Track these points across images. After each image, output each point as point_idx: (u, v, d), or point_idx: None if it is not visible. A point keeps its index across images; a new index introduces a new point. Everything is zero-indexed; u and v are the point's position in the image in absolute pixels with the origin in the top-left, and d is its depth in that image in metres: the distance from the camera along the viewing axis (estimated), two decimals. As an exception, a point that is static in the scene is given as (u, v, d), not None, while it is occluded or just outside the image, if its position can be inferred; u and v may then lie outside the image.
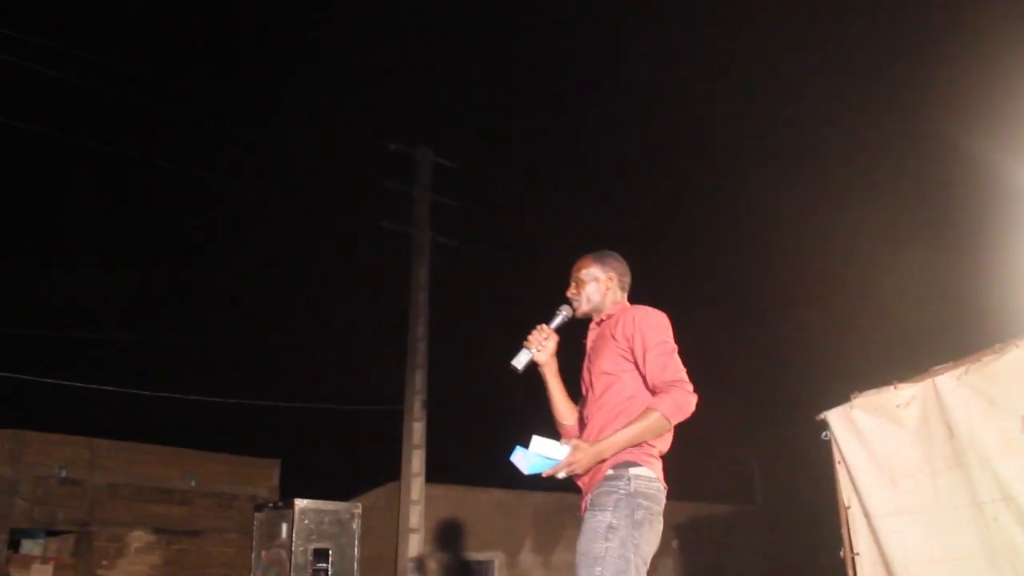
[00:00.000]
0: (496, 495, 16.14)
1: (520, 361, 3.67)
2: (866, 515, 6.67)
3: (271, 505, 7.25)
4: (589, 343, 3.72)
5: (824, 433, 7.06)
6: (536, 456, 3.33)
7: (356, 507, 7.16)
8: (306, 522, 6.77)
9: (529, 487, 16.61)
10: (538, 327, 3.74)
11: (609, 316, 3.66)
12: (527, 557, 16.00)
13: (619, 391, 3.45)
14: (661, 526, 3.34)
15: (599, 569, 3.14)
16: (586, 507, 3.37)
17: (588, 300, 3.73)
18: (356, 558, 6.98)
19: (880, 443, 6.63)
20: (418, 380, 13.47)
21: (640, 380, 3.45)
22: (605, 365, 3.51)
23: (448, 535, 15.22)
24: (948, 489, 6.08)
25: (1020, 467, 5.62)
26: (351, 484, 15.66)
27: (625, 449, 3.34)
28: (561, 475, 3.35)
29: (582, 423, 3.63)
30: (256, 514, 7.26)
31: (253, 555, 7.10)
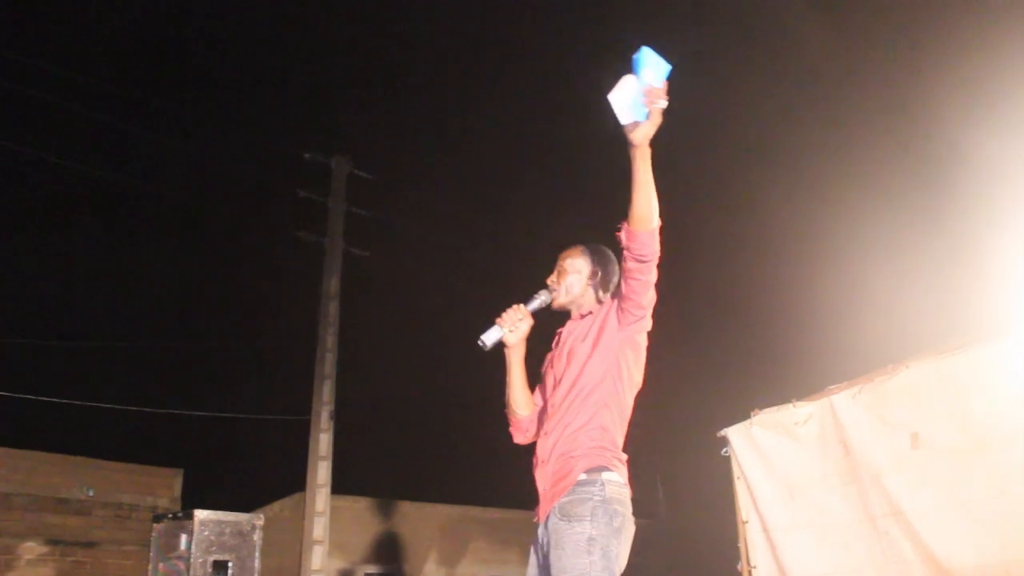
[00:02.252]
0: (402, 507, 16.08)
1: (489, 338, 3.42)
2: (764, 529, 6.83)
3: (170, 516, 7.11)
4: (565, 334, 3.50)
5: (724, 449, 7.21)
6: (632, 88, 2.97)
7: (258, 518, 7.06)
8: (206, 533, 6.65)
9: (434, 500, 16.59)
10: (514, 306, 3.48)
11: (590, 313, 3.45)
12: (432, 570, 15.95)
13: (595, 391, 3.28)
14: (633, 530, 3.21)
15: None
16: (547, 514, 3.17)
17: (567, 292, 3.50)
18: (257, 570, 6.88)
19: (778, 459, 6.81)
20: (326, 391, 13.34)
21: (618, 387, 3.30)
22: (585, 362, 3.32)
23: (353, 547, 15.10)
24: (843, 504, 6.27)
25: (909, 483, 5.84)
26: (256, 495, 15.45)
27: (597, 449, 3.20)
28: (660, 103, 2.96)
29: (544, 413, 3.46)
30: (155, 525, 7.11)
31: (150, 567, 6.96)
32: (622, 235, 3.13)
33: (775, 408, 6.93)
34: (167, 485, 13.73)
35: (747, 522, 7.00)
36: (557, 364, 3.46)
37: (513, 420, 3.60)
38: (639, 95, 2.96)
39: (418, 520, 16.16)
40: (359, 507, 15.44)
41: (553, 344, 3.60)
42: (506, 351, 3.53)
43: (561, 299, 3.51)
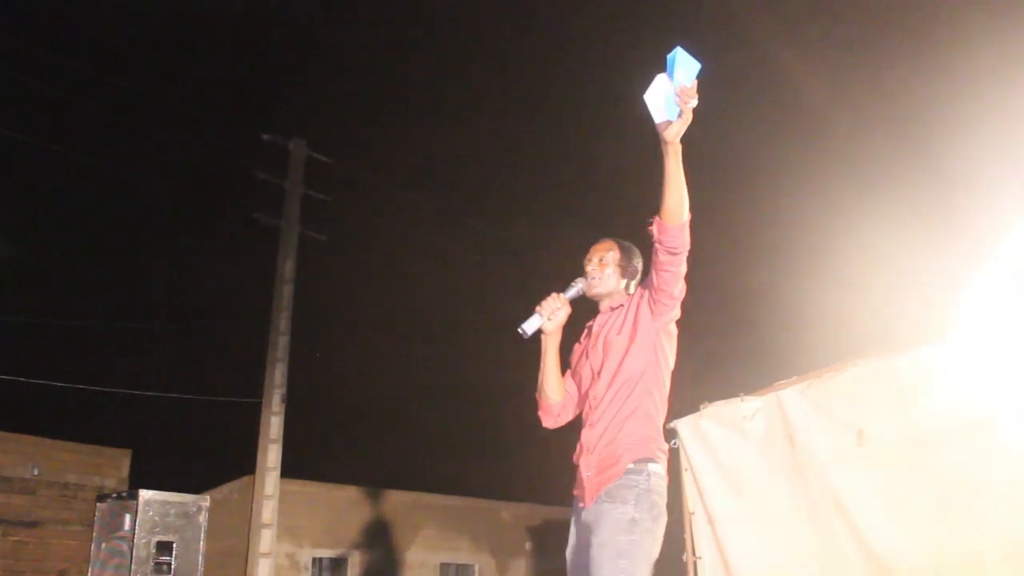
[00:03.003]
0: (352, 492, 16.03)
1: (531, 326, 3.51)
2: (710, 521, 6.89)
3: (115, 495, 7.04)
4: (597, 327, 3.62)
5: (673, 441, 7.26)
6: (666, 86, 3.04)
7: (204, 500, 7.01)
8: (151, 514, 6.59)
9: (385, 486, 16.57)
10: (552, 295, 3.59)
11: (621, 305, 3.57)
12: (381, 555, 15.93)
13: (639, 382, 3.40)
14: (666, 521, 3.33)
15: (624, 562, 3.12)
16: (593, 500, 3.30)
17: (606, 282, 3.63)
18: (202, 551, 6.83)
19: (726, 452, 6.86)
20: (278, 374, 13.27)
21: (658, 374, 3.43)
22: (624, 354, 3.44)
23: (302, 531, 15.03)
24: (786, 498, 6.34)
25: (853, 478, 5.92)
26: (205, 477, 15.32)
27: (644, 439, 3.33)
28: (692, 103, 3.03)
29: (585, 405, 3.57)
30: (98, 504, 7.03)
31: (92, 546, 6.89)
32: (653, 229, 3.27)
33: (724, 402, 6.99)
34: (115, 465, 13.54)
35: (693, 513, 7.05)
36: (593, 356, 3.57)
37: (544, 405, 3.71)
38: (672, 95, 3.03)
39: (368, 505, 16.12)
40: (309, 491, 15.36)
41: (582, 336, 3.74)
42: (543, 338, 3.62)
43: (598, 288, 3.64)
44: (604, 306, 3.66)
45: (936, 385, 5.64)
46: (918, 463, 5.61)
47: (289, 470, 13.49)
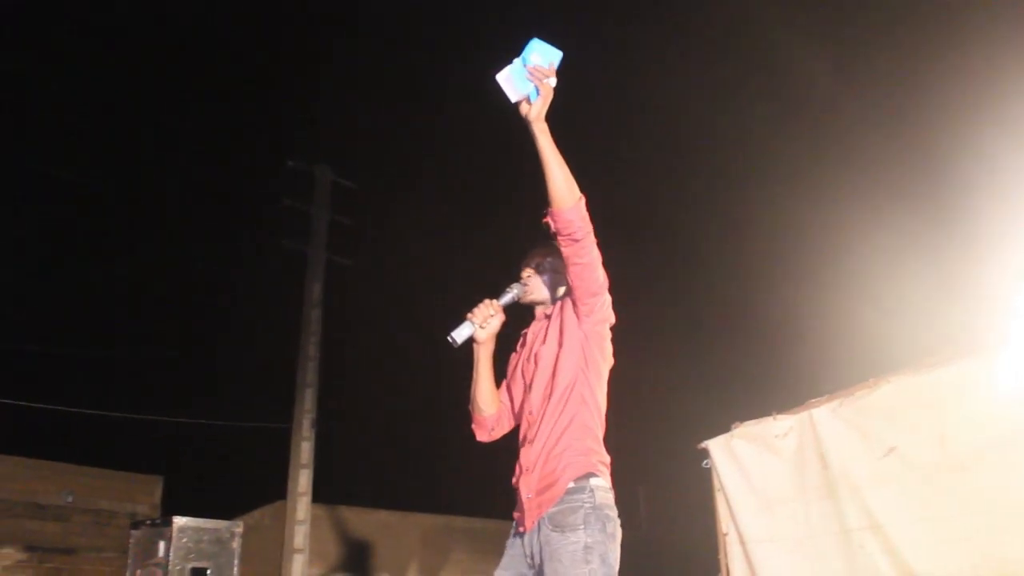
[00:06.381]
0: (383, 517, 16.02)
1: (460, 334, 3.29)
2: (742, 541, 6.86)
3: (148, 522, 7.08)
4: (531, 337, 3.44)
5: (705, 461, 7.24)
6: (520, 68, 2.99)
7: (237, 526, 7.04)
8: (184, 540, 6.62)
9: (415, 509, 16.55)
10: (485, 301, 3.35)
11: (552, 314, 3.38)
12: (413, 580, 15.91)
13: (572, 392, 3.21)
14: (621, 534, 3.18)
15: None
16: (535, 523, 3.11)
17: (539, 290, 3.43)
18: (236, 577, 6.86)
19: (758, 472, 6.83)
20: (307, 398, 13.31)
21: (591, 382, 3.24)
22: (554, 365, 3.25)
23: (333, 556, 15.04)
24: (819, 517, 6.30)
25: (887, 497, 5.87)
26: (236, 503, 15.37)
27: (582, 453, 3.15)
28: (549, 81, 2.99)
29: (520, 419, 3.39)
30: (132, 531, 7.08)
31: (127, 573, 6.93)
32: (549, 221, 3.07)
33: (756, 421, 6.97)
34: (147, 492, 13.63)
35: (727, 534, 7.02)
36: (526, 368, 3.39)
37: (478, 418, 3.52)
38: (525, 73, 2.97)
39: (399, 529, 16.10)
40: (340, 516, 15.37)
41: (518, 345, 3.54)
42: (475, 347, 3.40)
43: (531, 296, 3.44)
44: (539, 313, 3.47)
45: (971, 401, 5.59)
46: (952, 481, 5.57)
47: (319, 495, 13.51)
